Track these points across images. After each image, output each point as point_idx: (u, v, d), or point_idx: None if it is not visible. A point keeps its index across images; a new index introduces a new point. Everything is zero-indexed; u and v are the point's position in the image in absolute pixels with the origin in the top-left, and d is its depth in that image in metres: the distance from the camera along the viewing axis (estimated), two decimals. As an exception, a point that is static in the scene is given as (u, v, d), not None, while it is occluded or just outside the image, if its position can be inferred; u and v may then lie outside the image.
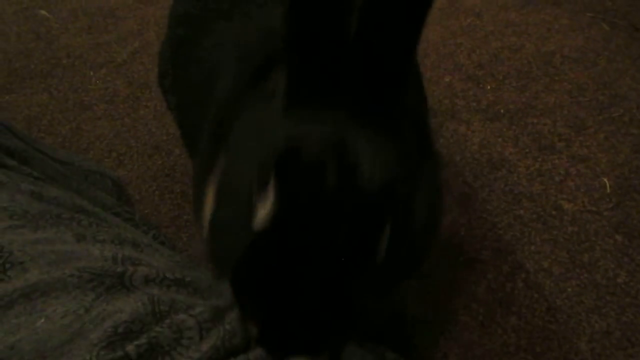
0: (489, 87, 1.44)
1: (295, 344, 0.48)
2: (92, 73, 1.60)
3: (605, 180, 1.22)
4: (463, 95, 1.43)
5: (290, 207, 0.48)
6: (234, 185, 0.58)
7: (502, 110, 1.38)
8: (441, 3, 1.67)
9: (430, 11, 0.47)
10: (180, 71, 0.90)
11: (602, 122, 1.33)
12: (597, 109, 1.36)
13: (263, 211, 0.49)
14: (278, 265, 0.48)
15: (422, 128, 0.74)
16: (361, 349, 0.55)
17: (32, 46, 1.71)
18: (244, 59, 0.74)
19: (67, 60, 1.65)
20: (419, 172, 0.63)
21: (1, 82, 1.59)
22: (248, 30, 0.78)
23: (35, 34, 1.75)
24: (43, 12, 1.83)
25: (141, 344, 0.44)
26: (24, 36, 1.75)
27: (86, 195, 0.79)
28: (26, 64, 1.65)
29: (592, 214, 1.17)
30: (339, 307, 0.48)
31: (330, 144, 0.49)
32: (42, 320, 0.45)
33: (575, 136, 1.31)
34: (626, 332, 0.99)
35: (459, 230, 1.15)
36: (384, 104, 0.51)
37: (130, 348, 0.43)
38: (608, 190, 1.20)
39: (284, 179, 0.48)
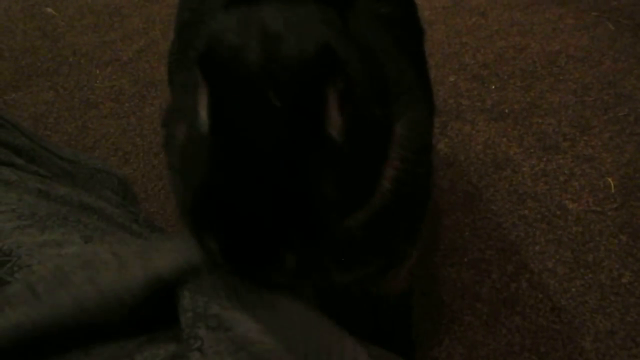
0: (493, 87, 1.44)
1: (255, 256, 0.44)
2: (98, 71, 1.60)
3: (610, 180, 1.22)
4: (468, 95, 1.43)
5: (223, 103, 0.45)
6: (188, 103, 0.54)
7: (506, 110, 1.38)
8: (446, 2, 1.67)
9: None
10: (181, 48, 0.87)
11: (607, 121, 1.33)
12: (602, 108, 1.36)
13: (202, 112, 0.47)
14: (227, 170, 0.44)
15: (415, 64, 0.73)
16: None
17: (38, 44, 1.71)
18: None
19: (73, 58, 1.65)
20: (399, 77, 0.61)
21: (8, 79, 1.60)
22: None
23: (42, 31, 1.76)
24: (49, 9, 1.84)
25: None
26: (30, 34, 1.76)
27: (92, 194, 0.79)
28: (32, 62, 1.65)
29: (596, 214, 1.17)
30: (296, 201, 0.44)
31: (252, 27, 0.46)
32: None
33: (580, 136, 1.31)
34: (630, 332, 0.99)
35: (464, 230, 1.16)
36: None
37: None
38: (613, 190, 1.20)
39: (209, 74, 0.46)
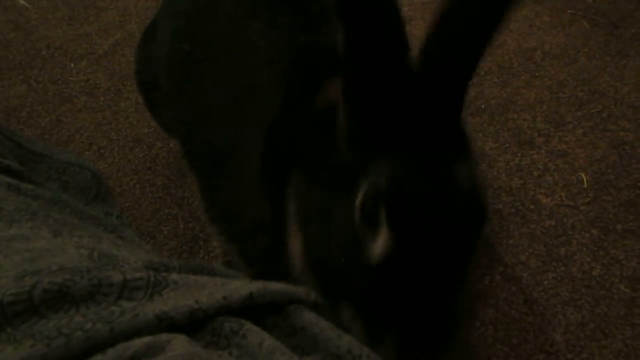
0: (470, 83, 1.45)
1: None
2: (72, 65, 1.58)
3: (583, 175, 1.24)
4: (445, 90, 1.44)
5: (406, 240, 0.52)
6: (327, 225, 0.62)
7: (483, 106, 1.39)
8: (424, -2, 1.68)
9: (490, 43, 0.54)
10: (190, 89, 0.87)
11: (580, 118, 1.35)
12: (576, 105, 1.38)
13: (378, 246, 0.53)
14: (405, 287, 0.53)
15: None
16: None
17: (10, 37, 1.68)
18: (286, 80, 0.76)
19: (47, 51, 1.63)
20: None
21: (-21, 72, 1.57)
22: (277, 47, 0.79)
23: (14, 24, 1.73)
24: (22, 1, 1.80)
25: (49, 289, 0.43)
26: (2, 26, 1.72)
27: (65, 188, 0.78)
28: (4, 55, 1.62)
29: (569, 209, 1.18)
30: (456, 309, 0.54)
31: (426, 175, 0.53)
32: None
33: (554, 132, 1.33)
34: (600, 323, 1.01)
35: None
36: (454, 127, 0.57)
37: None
38: (585, 185, 1.22)
39: (394, 213, 0.52)
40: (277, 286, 0.49)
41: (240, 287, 0.48)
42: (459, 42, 0.54)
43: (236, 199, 0.82)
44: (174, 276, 0.47)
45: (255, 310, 0.47)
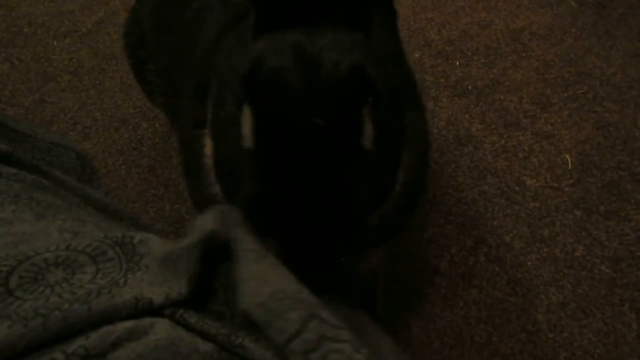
0: (457, 63, 1.45)
1: (314, 257, 0.52)
2: (55, 43, 1.55)
3: (568, 156, 1.25)
4: (432, 71, 1.44)
5: (266, 118, 0.50)
6: (225, 119, 0.60)
7: (470, 87, 1.39)
8: (413, -23, 1.66)
9: None
10: (163, 37, 0.91)
11: (566, 99, 1.35)
12: (562, 86, 1.39)
13: (246, 129, 0.52)
14: (279, 181, 0.50)
15: (406, 78, 0.78)
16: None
17: (-9, 13, 1.64)
18: (227, 11, 0.76)
19: (29, 28, 1.59)
20: (405, 94, 0.68)
21: (-41, 50, 1.53)
22: None
23: (-5, 0, 1.69)
24: (2, -23, 1.76)
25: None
26: (-18, 2, 1.68)
27: (48, 169, 0.78)
28: (-15, 32, 1.59)
29: (553, 190, 1.20)
30: (341, 206, 0.51)
31: (289, 51, 0.50)
32: None
33: (540, 113, 1.33)
34: (581, 303, 1.03)
35: (424, 205, 1.17)
36: (341, 16, 0.54)
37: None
38: (570, 167, 1.23)
39: (253, 94, 0.50)
40: (213, 224, 0.50)
41: (190, 247, 0.49)
42: None
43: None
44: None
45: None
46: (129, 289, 0.44)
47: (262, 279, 0.47)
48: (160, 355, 0.41)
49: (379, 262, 0.93)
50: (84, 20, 1.61)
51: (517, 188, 1.20)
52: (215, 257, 0.50)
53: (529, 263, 1.09)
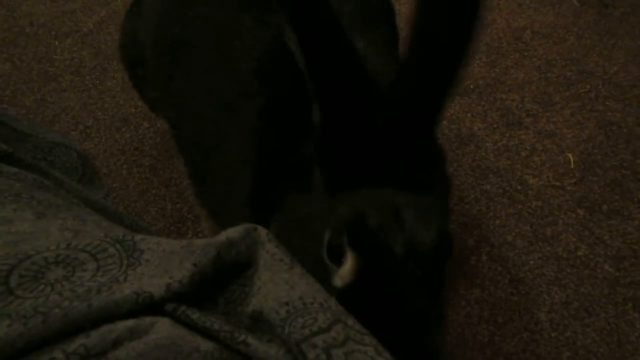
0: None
1: None
2: (57, 43, 1.55)
3: (570, 155, 1.24)
4: (434, 70, 1.43)
5: (366, 267, 0.57)
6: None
7: (472, 86, 1.39)
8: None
9: (451, 93, 0.58)
10: (179, 74, 0.87)
11: (569, 98, 1.35)
12: (564, 85, 1.38)
13: (343, 270, 0.58)
14: (370, 313, 0.54)
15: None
16: None
17: (-7, 13, 1.64)
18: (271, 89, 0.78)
19: (31, 28, 1.59)
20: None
21: (-39, 50, 1.54)
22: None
23: (-3, 0, 1.69)
24: (4, -23, 1.76)
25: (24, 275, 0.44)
26: (-16, 3, 1.68)
27: (49, 169, 0.77)
28: (-13, 32, 1.59)
29: (555, 189, 1.19)
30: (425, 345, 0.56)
31: (388, 212, 0.58)
32: None
33: (542, 112, 1.33)
34: (584, 302, 1.03)
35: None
36: (418, 172, 0.62)
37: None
38: (572, 166, 1.23)
39: (358, 244, 0.57)
40: (236, 235, 0.51)
41: (206, 246, 0.48)
42: (422, 84, 0.57)
43: (221, 197, 0.85)
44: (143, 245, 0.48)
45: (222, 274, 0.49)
46: (129, 285, 0.44)
47: (292, 285, 0.47)
48: (161, 354, 0.41)
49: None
50: (86, 20, 1.61)
51: (519, 187, 1.20)
52: (226, 268, 0.50)
53: (532, 262, 1.09)
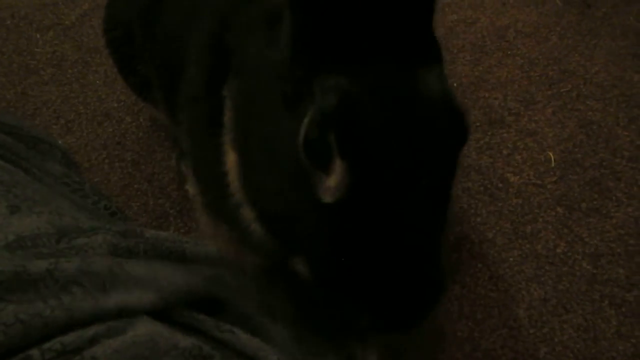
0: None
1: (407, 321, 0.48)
2: (38, 35, 1.53)
3: (551, 154, 1.26)
4: (418, 67, 1.44)
5: (365, 171, 0.43)
6: (265, 147, 0.52)
7: (455, 84, 1.40)
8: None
9: None
10: (158, 26, 0.88)
11: (550, 97, 1.36)
12: (546, 84, 1.39)
13: (331, 182, 0.45)
14: (369, 241, 0.45)
15: None
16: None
17: (-27, 5, 1.62)
18: None
19: (12, 20, 1.57)
20: None
21: (-60, 42, 1.51)
22: None
23: (-23, -9, 1.66)
24: (-15, -32, 1.73)
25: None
26: (-36, -6, 1.66)
27: (33, 164, 0.76)
28: (-33, 24, 1.56)
29: (536, 187, 1.21)
30: (440, 269, 0.48)
31: (385, 88, 0.44)
32: None
33: (524, 111, 1.34)
34: (562, 299, 1.04)
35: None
36: (421, 32, 0.47)
37: None
38: (553, 164, 1.24)
39: (350, 147, 0.43)
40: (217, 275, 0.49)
41: (195, 275, 0.48)
42: None
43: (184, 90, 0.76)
44: (136, 268, 0.46)
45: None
46: (115, 295, 0.43)
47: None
48: (138, 351, 0.41)
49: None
50: (68, 13, 1.60)
51: (500, 185, 1.21)
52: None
53: (511, 259, 1.10)
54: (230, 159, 0.60)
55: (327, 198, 0.45)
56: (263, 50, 0.54)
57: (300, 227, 0.49)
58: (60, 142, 0.92)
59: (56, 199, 0.67)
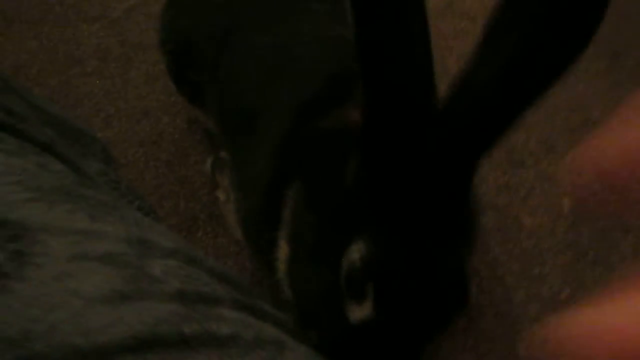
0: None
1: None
2: (85, 26, 1.58)
3: (566, 200, 1.31)
4: (447, 99, 1.49)
5: (387, 314, 0.56)
6: (313, 258, 0.64)
7: (481, 120, 1.45)
8: (436, 4, 1.71)
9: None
10: (229, 53, 0.92)
11: (571, 144, 1.42)
12: (568, 130, 1.45)
13: (361, 312, 0.57)
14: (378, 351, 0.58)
15: None
16: None
17: (24, -12, 1.67)
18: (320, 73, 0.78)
19: (60, 8, 1.62)
20: None
21: (-10, 22, 1.57)
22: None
23: (28, -26, 1.71)
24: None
25: None
26: (15, -25, 1.71)
27: (81, 163, 0.79)
28: (16, 6, 1.62)
29: (548, 231, 1.26)
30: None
31: (417, 261, 0.56)
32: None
33: (545, 154, 1.39)
34: (561, 343, 1.10)
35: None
36: (460, 210, 0.60)
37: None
38: (566, 210, 1.30)
39: (381, 292, 0.56)
40: None
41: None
42: (478, 115, 0.53)
43: (248, 168, 0.86)
44: (223, 329, 0.45)
45: None
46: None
47: None
48: None
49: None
50: (115, 6, 1.65)
51: (514, 225, 1.27)
52: None
53: (517, 299, 1.16)
54: (283, 249, 0.70)
55: (353, 318, 0.58)
56: (328, 171, 0.65)
57: (324, 319, 0.62)
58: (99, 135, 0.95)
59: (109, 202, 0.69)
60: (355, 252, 0.56)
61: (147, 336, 0.39)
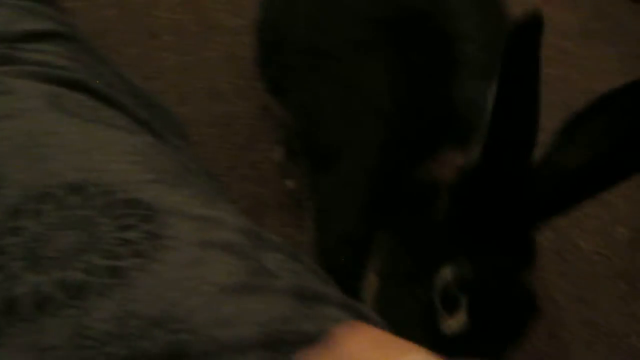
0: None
1: None
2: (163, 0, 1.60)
3: (622, 229, 1.34)
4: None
5: (476, 324, 0.66)
6: (403, 282, 0.74)
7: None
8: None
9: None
10: (315, 79, 0.94)
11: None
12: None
13: (454, 322, 0.66)
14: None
15: None
16: None
17: (104, -47, 1.68)
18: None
19: (140, -22, 1.64)
20: None
21: (71, -15, 1.58)
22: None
23: (109, -60, 1.72)
24: None
25: None
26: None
27: (170, 139, 0.80)
28: (97, -28, 1.63)
29: (603, 257, 1.29)
30: None
31: (500, 279, 0.68)
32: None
33: (604, 181, 1.41)
34: (610, 369, 1.14)
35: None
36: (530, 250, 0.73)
37: None
38: (621, 238, 1.32)
39: (474, 304, 0.66)
40: None
41: None
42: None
43: (332, 206, 0.92)
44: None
45: None
46: None
47: None
48: None
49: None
50: (192, -17, 1.66)
51: (570, 248, 1.30)
52: None
53: (569, 322, 1.19)
54: (371, 281, 0.79)
55: (447, 331, 0.67)
56: (419, 214, 0.76)
57: (417, 335, 0.72)
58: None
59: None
60: (448, 273, 0.67)
61: (276, 333, 0.39)
